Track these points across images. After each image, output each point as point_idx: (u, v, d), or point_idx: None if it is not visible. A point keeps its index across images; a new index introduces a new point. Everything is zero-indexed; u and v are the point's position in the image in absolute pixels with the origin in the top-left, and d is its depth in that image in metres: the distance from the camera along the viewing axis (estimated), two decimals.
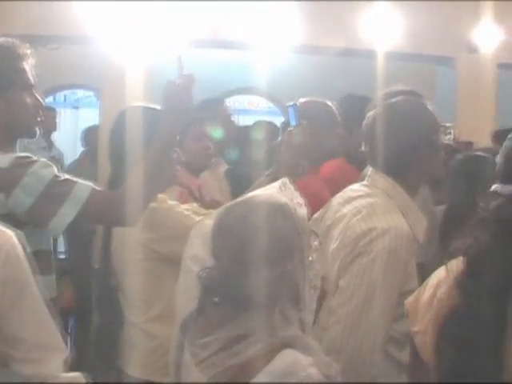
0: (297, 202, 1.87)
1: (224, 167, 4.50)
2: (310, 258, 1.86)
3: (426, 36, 7.19)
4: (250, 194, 1.90)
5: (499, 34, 7.44)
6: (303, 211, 1.86)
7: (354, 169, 3.35)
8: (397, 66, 6.87)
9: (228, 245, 1.79)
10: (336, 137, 3.36)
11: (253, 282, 1.73)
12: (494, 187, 1.70)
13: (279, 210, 1.80)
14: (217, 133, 2.50)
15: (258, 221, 1.76)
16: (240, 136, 4.75)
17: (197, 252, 2.14)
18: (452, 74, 7.84)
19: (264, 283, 1.74)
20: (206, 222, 2.27)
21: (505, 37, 7.40)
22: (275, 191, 1.90)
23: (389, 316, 2.20)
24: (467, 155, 3.62)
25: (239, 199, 1.88)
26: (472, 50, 7.54)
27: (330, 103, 3.45)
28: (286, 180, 1.99)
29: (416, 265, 2.33)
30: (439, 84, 8.41)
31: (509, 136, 1.78)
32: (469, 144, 5.03)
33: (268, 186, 1.97)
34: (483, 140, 6.03)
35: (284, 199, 1.85)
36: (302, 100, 3.31)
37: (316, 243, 1.96)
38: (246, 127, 5.24)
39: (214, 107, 4.52)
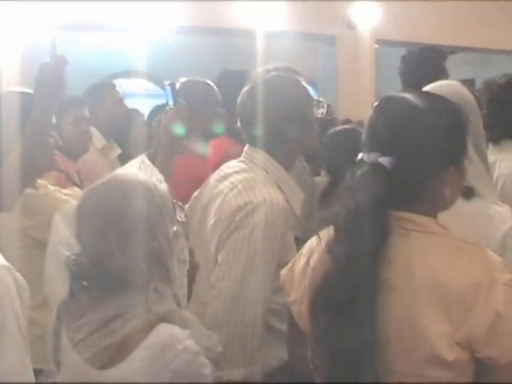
0: (156, 179, 1.87)
1: (117, 152, 4.47)
2: (175, 229, 1.86)
3: (306, 14, 7.25)
4: (110, 175, 1.87)
5: (377, 10, 7.60)
6: (163, 187, 1.86)
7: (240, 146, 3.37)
8: (279, 45, 6.92)
9: (91, 227, 1.77)
10: (216, 115, 3.38)
11: (119, 262, 1.72)
12: (360, 156, 1.75)
13: (140, 188, 1.79)
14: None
15: (120, 200, 1.75)
16: (131, 119, 4.70)
17: (65, 236, 2.12)
18: (333, 51, 7.95)
19: (131, 263, 1.73)
20: (69, 205, 2.26)
21: (382, 13, 7.56)
22: (135, 169, 1.89)
23: (268, 288, 2.23)
24: (343, 128, 3.70)
25: (100, 180, 1.85)
26: (351, 27, 7.68)
27: (210, 82, 3.46)
28: (143, 157, 1.99)
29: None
30: (321, 62, 8.52)
31: (374, 105, 1.83)
32: (348, 121, 5.20)
33: (127, 165, 1.96)
34: (365, 114, 6.13)
35: (144, 176, 1.85)
36: (181, 80, 3.32)
37: (182, 215, 1.97)
38: (137, 110, 5.17)
39: (103, 91, 4.47)
